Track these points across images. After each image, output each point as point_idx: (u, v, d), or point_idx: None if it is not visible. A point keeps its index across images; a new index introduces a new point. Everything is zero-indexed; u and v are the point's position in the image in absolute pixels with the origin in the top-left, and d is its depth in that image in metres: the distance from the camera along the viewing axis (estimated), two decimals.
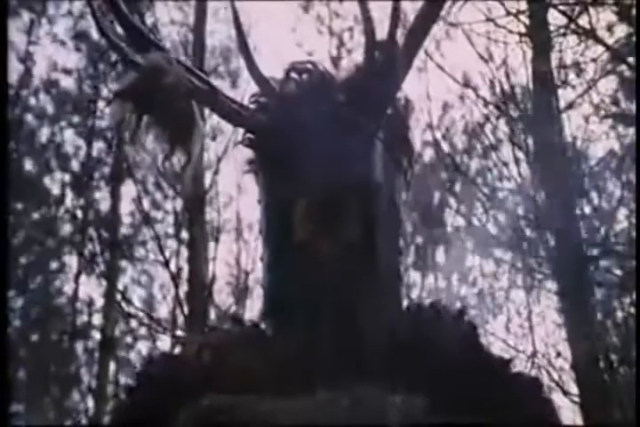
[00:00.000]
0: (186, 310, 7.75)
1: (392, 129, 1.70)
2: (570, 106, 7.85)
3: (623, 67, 7.81)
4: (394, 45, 1.63)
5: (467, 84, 8.34)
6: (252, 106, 1.71)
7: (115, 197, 9.74)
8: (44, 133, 10.09)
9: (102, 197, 9.97)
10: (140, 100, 1.53)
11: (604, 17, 7.47)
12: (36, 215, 9.70)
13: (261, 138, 1.69)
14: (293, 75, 1.71)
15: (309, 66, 1.71)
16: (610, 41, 7.55)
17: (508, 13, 7.82)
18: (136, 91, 1.52)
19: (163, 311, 9.86)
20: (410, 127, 1.76)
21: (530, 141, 7.97)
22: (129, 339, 10.49)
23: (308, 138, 1.60)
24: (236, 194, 8.94)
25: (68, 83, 10.18)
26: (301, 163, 1.57)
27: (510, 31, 7.93)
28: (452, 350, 1.53)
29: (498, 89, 8.02)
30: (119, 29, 1.63)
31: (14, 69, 9.32)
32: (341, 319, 1.51)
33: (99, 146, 10.06)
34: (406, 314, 1.67)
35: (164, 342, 9.70)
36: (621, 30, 7.60)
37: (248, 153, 1.76)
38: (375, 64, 1.62)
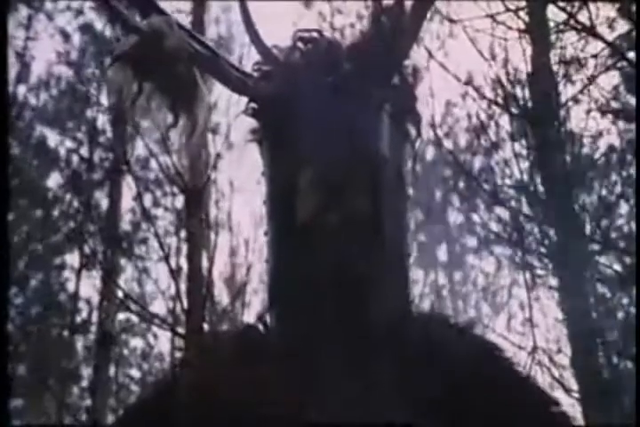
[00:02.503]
0: (185, 306, 7.72)
1: (399, 98, 1.66)
2: (573, 100, 7.84)
3: (623, 62, 7.80)
4: (401, 10, 1.59)
5: (469, 82, 8.33)
6: (255, 74, 1.68)
7: (114, 193, 9.72)
8: (42, 129, 10.07)
9: (102, 194, 9.95)
10: (141, 65, 1.49)
11: (604, 12, 7.47)
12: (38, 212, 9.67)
13: (265, 107, 1.65)
14: (299, 44, 1.67)
15: (315, 34, 1.67)
16: (610, 37, 7.55)
17: (508, 10, 7.83)
18: (136, 54, 1.49)
19: (162, 308, 9.85)
20: (417, 97, 1.72)
21: (531, 138, 7.96)
22: (128, 335, 10.47)
23: (312, 107, 1.57)
24: (229, 191, 8.92)
25: (67, 76, 10.14)
26: (305, 133, 1.54)
27: (510, 28, 7.93)
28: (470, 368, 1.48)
29: (499, 86, 8.01)
30: None
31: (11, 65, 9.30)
32: (348, 296, 1.48)
33: (98, 141, 10.02)
34: (418, 324, 1.61)
35: (164, 339, 9.70)
36: (622, 26, 7.59)
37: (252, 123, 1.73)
38: (382, 30, 1.59)
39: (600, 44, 7.65)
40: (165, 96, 1.54)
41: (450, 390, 1.40)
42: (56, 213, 9.58)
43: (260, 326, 1.62)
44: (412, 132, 1.70)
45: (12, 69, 9.26)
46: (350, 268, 1.48)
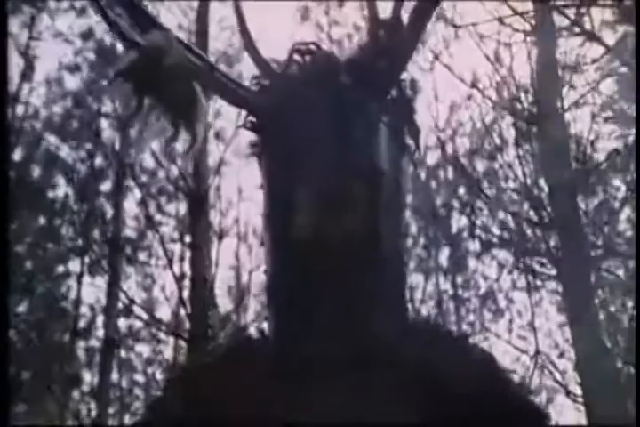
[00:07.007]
0: (189, 311, 7.72)
1: (398, 110, 1.67)
2: (575, 104, 7.85)
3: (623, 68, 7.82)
4: (398, 24, 1.60)
5: (474, 84, 8.32)
6: (253, 88, 1.68)
7: (118, 200, 9.71)
8: (47, 138, 10.05)
9: (106, 200, 9.94)
10: (141, 80, 1.50)
11: (605, 17, 7.49)
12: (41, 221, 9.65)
13: (263, 120, 1.66)
14: (296, 56, 1.67)
15: (313, 47, 1.67)
16: (611, 41, 7.56)
17: (515, 13, 7.82)
18: (136, 70, 1.49)
19: (165, 313, 9.85)
20: (415, 109, 1.72)
21: (534, 141, 7.96)
22: (132, 341, 10.46)
23: (309, 120, 1.57)
24: (237, 198, 8.93)
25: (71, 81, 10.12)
26: (304, 146, 1.54)
27: (516, 30, 7.93)
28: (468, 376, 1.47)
29: (504, 89, 8.01)
30: (119, 9, 1.60)
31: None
32: (343, 307, 1.48)
33: (102, 150, 10.01)
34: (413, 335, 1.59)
35: (169, 343, 9.70)
36: (623, 31, 7.59)
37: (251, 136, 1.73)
38: (379, 43, 1.60)
39: (601, 49, 7.66)
40: (165, 111, 1.55)
41: (444, 403, 1.40)
42: (60, 219, 9.57)
43: (258, 338, 1.62)
44: (411, 144, 1.71)
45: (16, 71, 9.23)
46: (347, 280, 1.49)
